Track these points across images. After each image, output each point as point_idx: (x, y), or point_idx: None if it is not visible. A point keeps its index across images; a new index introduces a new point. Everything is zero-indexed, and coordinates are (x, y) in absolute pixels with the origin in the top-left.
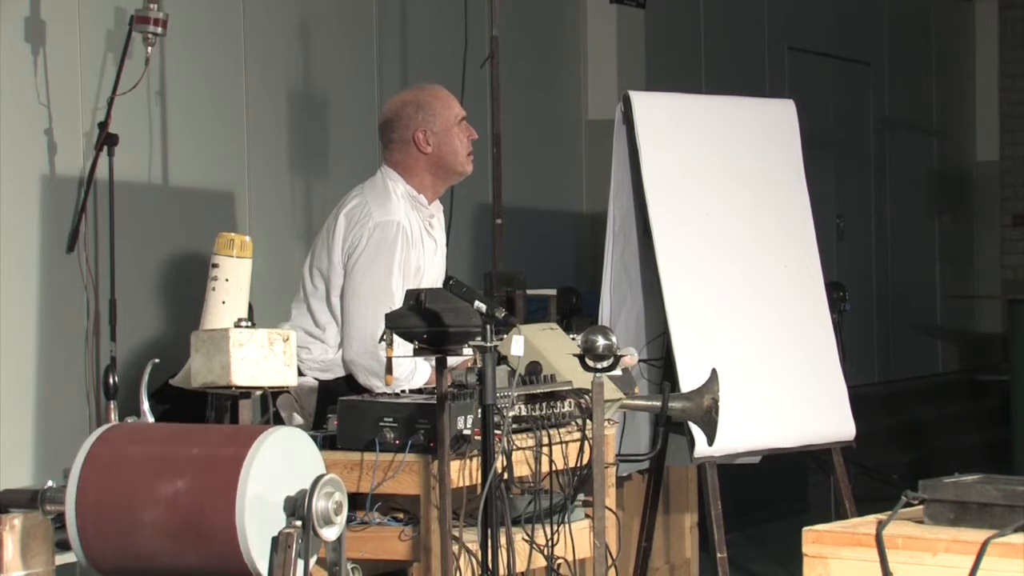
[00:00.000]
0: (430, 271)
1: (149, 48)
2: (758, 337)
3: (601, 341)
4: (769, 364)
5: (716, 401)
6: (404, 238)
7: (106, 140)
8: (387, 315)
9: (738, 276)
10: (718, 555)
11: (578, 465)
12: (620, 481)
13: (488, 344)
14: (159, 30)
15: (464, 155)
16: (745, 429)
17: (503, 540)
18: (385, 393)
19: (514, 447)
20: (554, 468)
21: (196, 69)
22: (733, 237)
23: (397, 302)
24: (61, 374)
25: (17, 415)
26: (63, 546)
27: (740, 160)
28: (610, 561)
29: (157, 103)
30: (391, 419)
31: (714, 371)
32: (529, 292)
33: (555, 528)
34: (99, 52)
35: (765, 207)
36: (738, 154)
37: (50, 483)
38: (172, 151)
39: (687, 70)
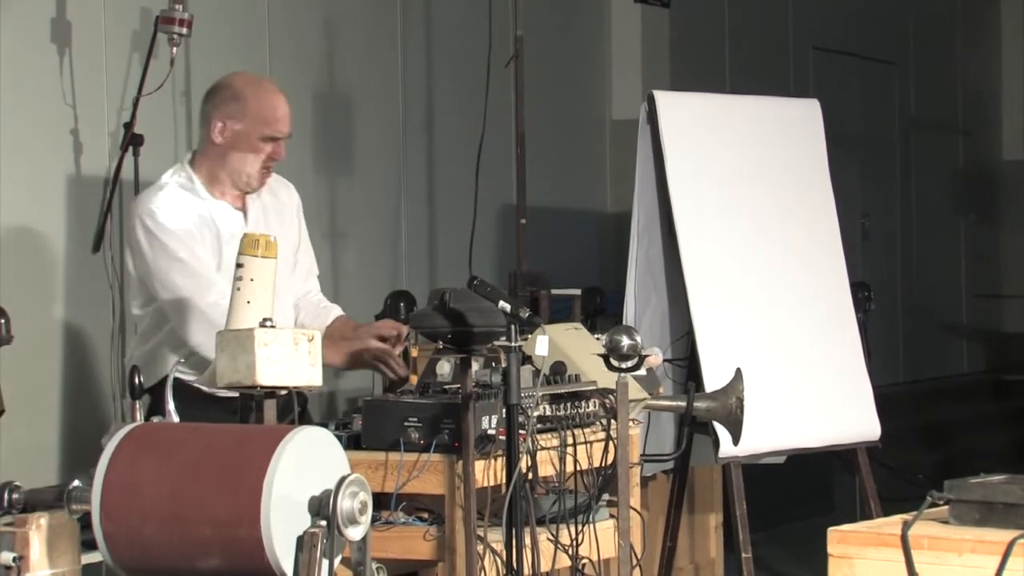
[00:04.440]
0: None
1: (174, 49)
2: (783, 337)
3: (626, 341)
4: (794, 364)
5: (741, 401)
6: (164, 215)
7: (131, 140)
8: (411, 315)
9: (763, 276)
10: (743, 555)
11: (602, 465)
12: (645, 481)
13: (513, 344)
14: (184, 31)
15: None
16: (770, 429)
17: (528, 540)
18: (410, 392)
19: (539, 447)
20: (579, 468)
21: (221, 69)
22: (758, 237)
23: None
24: (87, 374)
25: (43, 414)
26: (89, 545)
27: (765, 160)
28: (635, 561)
29: (182, 103)
30: (416, 419)
31: (739, 371)
32: (553, 292)
33: (580, 528)
34: (124, 53)
35: (790, 207)
36: (763, 154)
37: (76, 483)
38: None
39: (711, 70)
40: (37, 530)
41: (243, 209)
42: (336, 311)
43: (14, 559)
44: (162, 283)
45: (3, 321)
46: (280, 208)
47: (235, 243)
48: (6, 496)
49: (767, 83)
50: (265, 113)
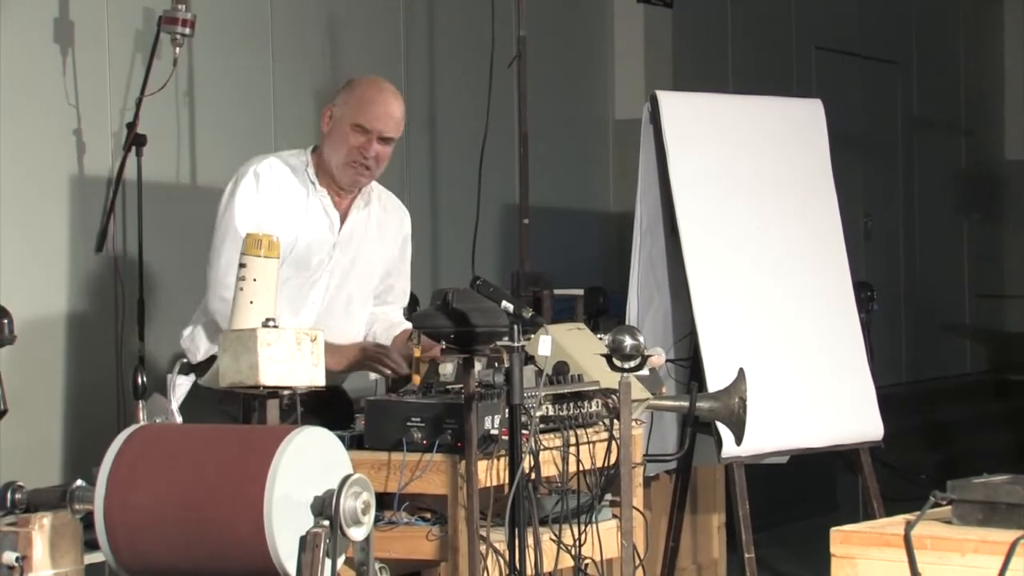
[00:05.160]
0: (316, 248)
1: (177, 48)
2: (786, 337)
3: (628, 341)
4: (797, 364)
5: (744, 401)
6: (262, 183)
7: (134, 140)
8: (414, 315)
9: (765, 276)
10: (746, 555)
11: (605, 465)
12: (647, 481)
13: (516, 344)
14: (187, 30)
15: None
16: (773, 429)
17: (530, 540)
18: (413, 392)
19: (541, 447)
20: (581, 468)
21: (224, 69)
22: (760, 237)
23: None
24: (90, 374)
25: (46, 415)
26: (91, 545)
27: (767, 160)
28: (637, 561)
29: (185, 103)
30: (418, 419)
31: (741, 371)
32: (556, 292)
33: (582, 528)
34: (127, 53)
35: (792, 206)
36: (765, 153)
37: (79, 482)
38: (200, 151)
39: (714, 70)
40: (40, 530)
41: (345, 211)
42: (406, 326)
43: (17, 559)
44: (215, 244)
45: (6, 321)
46: (385, 228)
47: (318, 236)
48: (9, 496)
49: (770, 83)
50: (364, 101)
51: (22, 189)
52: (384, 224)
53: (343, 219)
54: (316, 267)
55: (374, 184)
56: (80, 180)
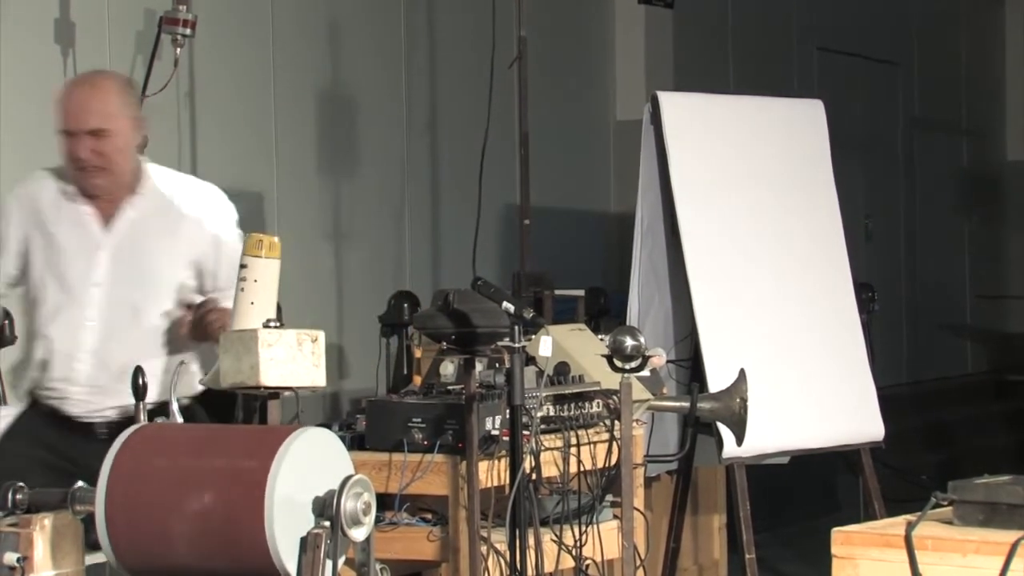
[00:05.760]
0: (72, 261)
1: (178, 50)
2: (786, 338)
3: (629, 342)
4: (798, 365)
5: (745, 401)
6: (16, 197)
7: None
8: (415, 316)
9: (766, 276)
10: (747, 556)
11: (606, 466)
12: (648, 482)
13: (516, 345)
14: (188, 31)
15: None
16: (773, 430)
17: (531, 541)
18: (414, 393)
19: (542, 447)
20: (582, 468)
21: (225, 70)
22: (761, 237)
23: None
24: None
25: None
26: (93, 546)
27: (768, 160)
28: (638, 562)
29: (186, 104)
30: (419, 419)
31: (742, 371)
32: (557, 292)
33: (583, 529)
34: (128, 53)
35: (793, 207)
36: (766, 154)
37: (80, 483)
38: (201, 152)
39: (715, 70)
40: (41, 531)
41: (110, 217)
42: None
43: (18, 560)
44: None
45: (7, 322)
46: (177, 220)
47: (74, 248)
48: (10, 497)
49: (771, 83)
50: (59, 105)
51: None
52: (174, 216)
53: (108, 225)
54: (80, 282)
55: (159, 174)
56: None
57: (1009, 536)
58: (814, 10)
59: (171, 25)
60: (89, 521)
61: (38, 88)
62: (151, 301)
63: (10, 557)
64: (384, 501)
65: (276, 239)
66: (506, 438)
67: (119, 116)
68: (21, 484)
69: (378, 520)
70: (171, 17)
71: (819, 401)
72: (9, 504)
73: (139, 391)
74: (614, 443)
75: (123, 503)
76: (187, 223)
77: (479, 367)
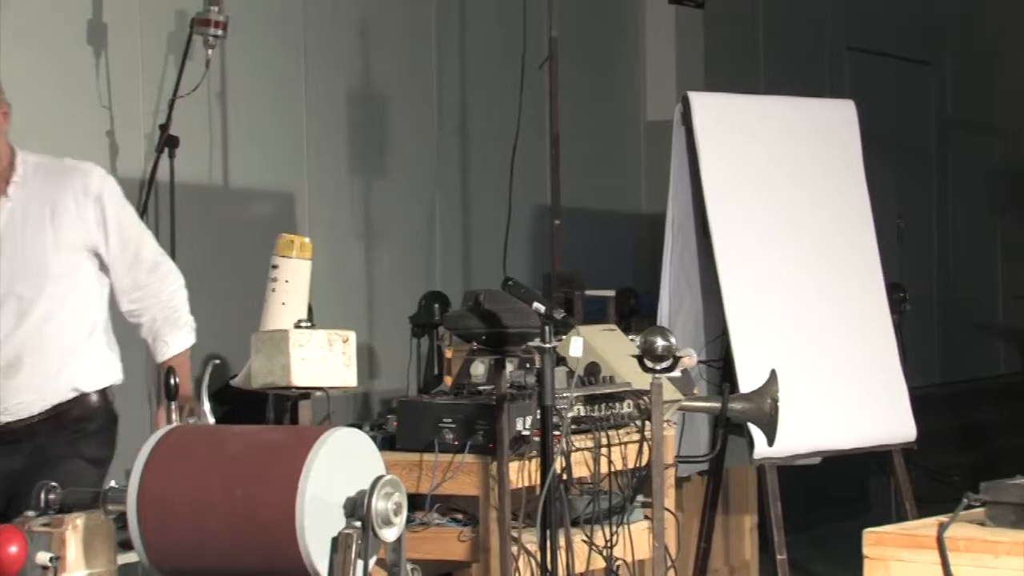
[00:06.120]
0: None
1: (210, 51)
2: (818, 338)
3: (660, 342)
4: (829, 365)
5: (776, 402)
6: None
7: (167, 142)
8: (446, 316)
9: (797, 277)
10: (778, 556)
11: (637, 466)
12: (679, 482)
13: (547, 345)
14: (219, 32)
15: None
16: (805, 430)
17: (562, 541)
18: (445, 393)
19: (573, 448)
20: (613, 469)
21: (256, 71)
22: (792, 238)
23: None
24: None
25: None
26: (125, 546)
27: (799, 161)
28: (669, 562)
29: (217, 105)
30: (450, 420)
31: (773, 372)
32: (588, 293)
33: (614, 529)
34: (160, 54)
35: (825, 208)
36: (797, 155)
37: (112, 483)
38: (232, 153)
39: (746, 70)
40: (74, 531)
41: None
42: (169, 354)
43: (51, 559)
44: None
45: None
46: (57, 204)
47: None
48: (43, 497)
49: (802, 84)
50: None
51: None
52: (50, 202)
53: None
54: None
55: (30, 161)
56: None
57: None
58: (846, 10)
59: (203, 26)
60: (121, 521)
61: (71, 88)
62: (38, 293)
63: (43, 557)
64: (415, 501)
65: (307, 240)
66: (537, 438)
67: None
68: (54, 484)
69: (409, 520)
70: (203, 18)
71: (851, 401)
72: (42, 504)
73: (170, 391)
74: (645, 444)
75: (155, 503)
76: (64, 208)
77: (510, 367)
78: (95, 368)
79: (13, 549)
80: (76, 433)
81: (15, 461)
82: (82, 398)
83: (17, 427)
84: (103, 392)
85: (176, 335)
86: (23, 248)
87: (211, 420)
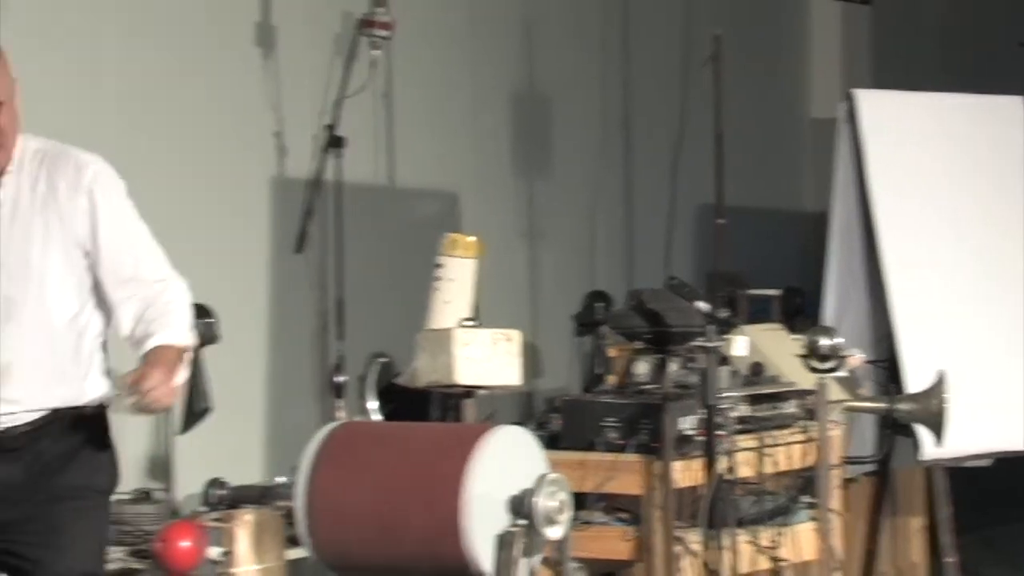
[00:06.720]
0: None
1: (375, 51)
2: (987, 337)
3: (824, 341)
4: (999, 365)
5: (944, 403)
6: None
7: (333, 142)
8: (609, 315)
9: (967, 275)
10: (947, 559)
11: (802, 467)
12: (845, 483)
13: (711, 344)
14: (385, 33)
15: None
16: (974, 431)
17: (727, 541)
18: (608, 392)
19: (737, 448)
20: (778, 469)
21: (421, 71)
22: (962, 237)
23: None
24: (290, 373)
25: (247, 414)
26: (294, 541)
27: (968, 159)
28: (835, 564)
29: (383, 105)
30: (614, 419)
31: (942, 374)
32: (752, 292)
33: (779, 530)
34: (327, 56)
35: (995, 206)
36: (966, 153)
37: (281, 480)
38: (398, 152)
39: (913, 68)
40: (243, 526)
41: None
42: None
43: (222, 554)
44: None
45: (211, 321)
46: (40, 198)
47: None
48: (214, 492)
49: (972, 81)
50: None
51: (224, 191)
52: (45, 191)
53: None
54: None
55: (30, 147)
56: (280, 182)
57: None
58: (1018, 4)
59: (369, 27)
60: (289, 516)
61: (240, 90)
62: (27, 294)
63: (215, 551)
64: (578, 500)
65: (472, 239)
66: (701, 438)
67: (13, 87)
68: (225, 480)
69: (572, 519)
70: (369, 19)
71: (1020, 403)
72: (213, 500)
73: (337, 389)
74: (810, 444)
75: (322, 499)
76: (55, 200)
77: (673, 367)
78: (92, 378)
79: (186, 544)
80: (73, 447)
81: (14, 470)
82: (77, 409)
83: (10, 436)
84: (100, 406)
85: (167, 332)
86: (14, 245)
87: (377, 418)
